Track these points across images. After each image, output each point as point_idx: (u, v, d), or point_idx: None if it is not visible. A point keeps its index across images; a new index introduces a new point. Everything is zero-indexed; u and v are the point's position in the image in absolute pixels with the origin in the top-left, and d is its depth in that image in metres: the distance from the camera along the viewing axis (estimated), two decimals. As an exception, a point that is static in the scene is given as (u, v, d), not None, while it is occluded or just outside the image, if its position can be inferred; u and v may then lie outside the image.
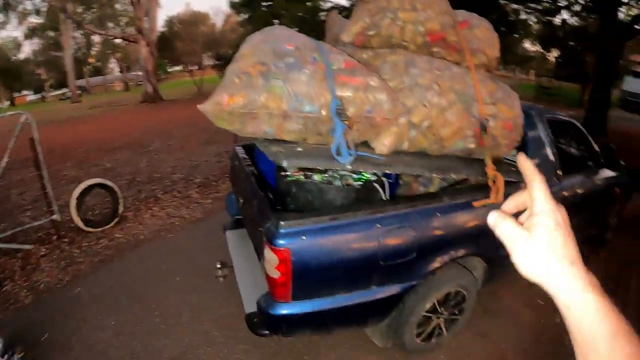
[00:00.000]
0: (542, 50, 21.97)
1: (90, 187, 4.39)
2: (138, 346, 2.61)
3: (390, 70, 2.01)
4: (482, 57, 2.50)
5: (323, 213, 1.76)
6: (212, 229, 4.23)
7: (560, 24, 15.89)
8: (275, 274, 1.70)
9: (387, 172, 1.91)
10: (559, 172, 2.88)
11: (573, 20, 15.61)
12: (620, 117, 16.92)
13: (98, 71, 42.12)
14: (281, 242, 1.66)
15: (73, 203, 4.15)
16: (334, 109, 1.64)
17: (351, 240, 1.80)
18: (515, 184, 2.49)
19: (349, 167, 1.67)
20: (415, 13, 2.18)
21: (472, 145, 2.20)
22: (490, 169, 2.14)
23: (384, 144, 1.86)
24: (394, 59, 2.07)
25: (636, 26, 11.13)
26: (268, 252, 1.69)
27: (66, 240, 4.13)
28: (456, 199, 2.15)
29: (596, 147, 3.64)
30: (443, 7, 2.31)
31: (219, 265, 2.74)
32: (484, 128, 2.13)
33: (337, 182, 1.93)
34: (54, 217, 4.15)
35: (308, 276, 1.76)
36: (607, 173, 3.58)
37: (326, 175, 1.98)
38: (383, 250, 1.86)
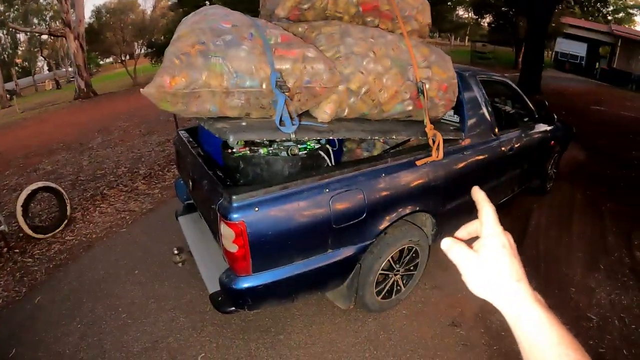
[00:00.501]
0: (475, 17, 22.73)
1: (35, 192, 4.18)
2: (107, 344, 2.57)
3: (326, 41, 2.07)
4: (415, 24, 2.61)
5: (273, 184, 1.80)
6: (164, 218, 4.20)
7: (492, -10, 16.52)
8: (233, 248, 1.74)
9: (331, 138, 1.97)
10: (496, 130, 3.06)
11: (506, -14, 16.20)
12: (554, 76, 17.96)
13: (26, 72, 39.19)
14: (235, 215, 1.70)
15: (19, 210, 3.94)
16: (274, 82, 1.68)
17: (303, 207, 1.86)
18: (453, 141, 2.66)
19: (293, 136, 1.72)
20: (346, -16, 2.24)
21: (410, 108, 2.32)
22: (430, 129, 2.27)
23: (325, 112, 1.93)
24: (329, 29, 2.12)
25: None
26: (224, 228, 1.73)
27: (17, 250, 3.93)
28: (399, 159, 2.26)
29: (530, 104, 3.89)
30: (374, -24, 2.37)
31: (176, 252, 2.73)
32: (420, 90, 2.24)
33: (283, 153, 1.98)
34: (1, 228, 3.94)
35: (265, 246, 1.81)
36: (542, 127, 3.83)
37: (272, 148, 2.03)
38: (334, 214, 1.94)
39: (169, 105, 1.70)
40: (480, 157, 2.88)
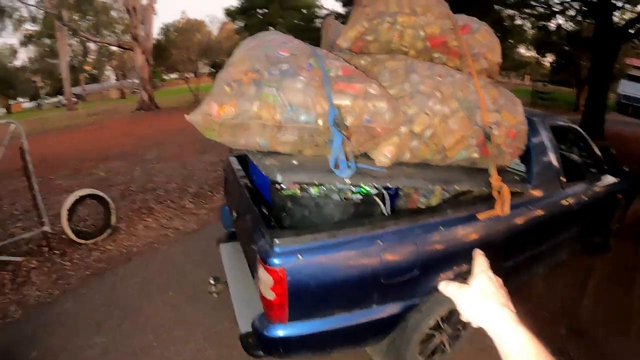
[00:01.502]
0: (536, 55, 22.03)
1: (82, 198, 4.27)
2: (129, 365, 2.50)
3: (390, 77, 1.93)
4: (484, 63, 2.43)
5: (320, 230, 1.64)
6: (206, 241, 4.10)
7: (555, 28, 15.95)
8: (270, 295, 1.58)
9: (389, 185, 1.80)
10: (563, 179, 2.79)
11: (568, 25, 15.63)
12: (616, 120, 16.96)
13: (94, 79, 42.04)
14: (276, 261, 1.55)
15: (64, 214, 4.03)
16: (332, 119, 1.54)
17: (351, 257, 1.69)
18: (517, 193, 2.41)
19: (348, 181, 1.56)
20: (414, 17, 2.10)
21: (476, 155, 2.11)
22: (496, 180, 2.05)
23: (384, 155, 1.76)
24: (394, 64, 1.98)
25: (630, 30, 11.14)
26: (262, 272, 1.58)
27: (57, 252, 4.01)
28: (460, 212, 2.05)
29: (599, 153, 3.57)
30: (443, 11, 2.23)
31: (212, 281, 2.62)
32: (488, 136, 2.04)
33: (335, 196, 1.82)
34: (45, 228, 4.03)
35: (305, 296, 1.65)
36: (610, 179, 3.51)
37: (323, 188, 1.88)
38: (384, 268, 1.75)
39: (216, 134, 1.59)
40: (545, 211, 2.63)
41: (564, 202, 2.80)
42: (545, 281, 3.43)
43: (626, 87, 23.28)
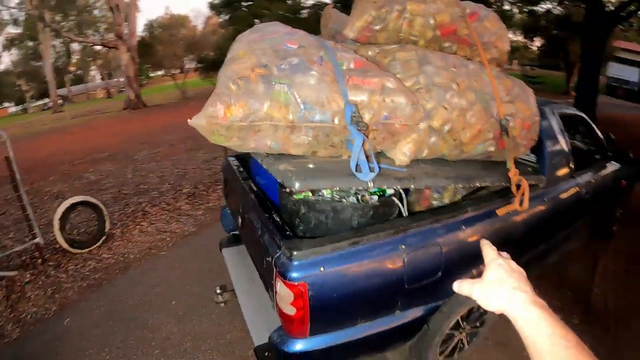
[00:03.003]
0: (524, 40, 22.04)
1: (74, 206, 4.11)
2: (135, 382, 2.38)
3: (402, 69, 1.81)
4: (494, 52, 2.34)
5: (342, 238, 1.53)
6: (206, 244, 3.98)
7: (542, 13, 15.94)
8: (290, 311, 1.47)
9: (412, 187, 1.69)
10: (573, 168, 2.74)
11: (557, 9, 15.63)
12: (607, 103, 17.05)
13: (79, 79, 41.20)
14: (296, 275, 1.43)
15: (56, 224, 3.88)
16: (349, 117, 1.42)
17: (374, 265, 1.58)
18: (534, 186, 2.33)
19: (371, 184, 1.44)
20: (424, 5, 1.99)
21: (492, 149, 2.02)
22: (514, 174, 1.97)
23: (404, 153, 1.65)
24: (405, 55, 1.87)
25: (622, 13, 11.14)
26: (281, 287, 1.46)
27: (52, 264, 3.85)
28: (480, 209, 1.96)
29: (603, 140, 3.53)
30: (452, -2, 2.12)
31: (218, 291, 2.50)
32: (505, 129, 1.95)
33: (352, 199, 1.71)
34: (37, 240, 3.87)
35: (327, 309, 1.53)
36: (614, 166, 3.47)
37: (337, 191, 1.76)
38: (408, 273, 1.65)
39: (222, 139, 1.44)
40: (558, 201, 2.58)
41: (574, 191, 2.74)
42: (554, 270, 3.38)
43: (614, 70, 23.44)
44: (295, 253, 1.44)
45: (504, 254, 0.72)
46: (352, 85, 1.51)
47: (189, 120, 1.37)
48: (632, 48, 22.28)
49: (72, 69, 38.15)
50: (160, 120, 14.02)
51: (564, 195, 2.64)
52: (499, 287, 0.64)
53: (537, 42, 21.41)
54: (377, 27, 1.99)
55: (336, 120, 1.46)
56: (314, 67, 1.49)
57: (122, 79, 24.34)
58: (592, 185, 2.96)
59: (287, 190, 1.76)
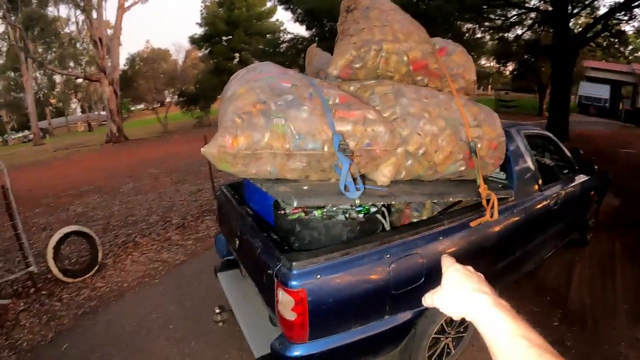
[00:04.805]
0: (497, 65, 23.01)
1: (67, 235, 4.20)
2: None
3: (381, 101, 2.06)
4: (462, 82, 2.60)
5: (335, 249, 1.74)
6: (198, 272, 4.11)
7: (513, 39, 16.77)
8: (291, 316, 1.66)
9: (392, 202, 1.92)
10: (540, 183, 2.99)
11: (526, 34, 16.46)
12: (580, 120, 17.84)
13: (60, 112, 41.00)
14: (295, 282, 1.63)
15: (50, 253, 3.96)
16: (337, 145, 1.66)
17: (364, 272, 1.79)
18: (504, 200, 2.59)
19: (358, 201, 1.67)
20: (398, 44, 2.26)
21: (463, 168, 2.27)
22: (483, 189, 2.21)
23: (384, 175, 1.89)
24: (382, 89, 2.12)
25: (588, 34, 11.84)
26: (282, 295, 1.66)
27: (45, 292, 3.91)
28: (455, 221, 2.20)
29: (569, 155, 3.82)
30: (423, 36, 2.40)
31: (217, 310, 2.64)
32: (473, 150, 2.20)
33: (341, 217, 1.93)
34: (31, 268, 3.93)
35: (324, 314, 1.73)
36: (582, 178, 3.74)
37: (326, 210, 1.98)
38: (394, 279, 1.86)
39: (229, 165, 1.68)
40: (529, 213, 2.82)
41: (543, 204, 2.99)
42: (532, 277, 3.62)
43: (586, 89, 24.57)
44: (294, 263, 1.64)
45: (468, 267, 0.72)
46: (338, 117, 1.76)
47: (202, 149, 1.60)
48: (601, 67, 23.41)
49: (53, 101, 37.97)
50: (143, 154, 14.11)
51: (533, 207, 2.87)
52: (457, 291, 0.65)
53: (510, 67, 22.40)
54: (357, 65, 2.25)
55: (326, 148, 1.70)
56: (305, 102, 1.74)
57: (103, 112, 24.43)
58: (561, 197, 3.21)
59: (282, 211, 1.97)
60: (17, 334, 3.25)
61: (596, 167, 4.01)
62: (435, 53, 2.44)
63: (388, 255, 1.84)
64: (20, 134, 36.49)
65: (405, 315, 2.01)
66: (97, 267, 4.31)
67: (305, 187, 1.74)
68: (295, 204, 1.59)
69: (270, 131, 1.62)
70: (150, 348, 2.94)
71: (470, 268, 0.71)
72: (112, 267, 4.45)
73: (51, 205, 7.52)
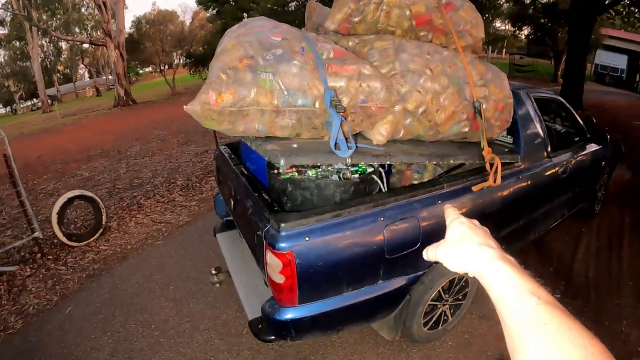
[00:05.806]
0: (512, 28, 22.22)
1: (71, 200, 4.21)
2: (138, 364, 2.51)
3: (380, 57, 1.94)
4: (469, 39, 2.46)
5: (325, 211, 1.67)
6: (200, 233, 4.14)
7: (529, 1, 16.09)
8: (280, 279, 1.61)
9: (388, 162, 1.84)
10: (549, 149, 2.87)
11: (543, -2, 15.80)
12: (595, 90, 17.28)
13: (68, 78, 40.90)
14: (283, 245, 1.58)
15: (54, 218, 3.98)
16: (329, 101, 1.56)
17: (355, 235, 1.73)
18: (508, 164, 2.49)
19: (349, 160, 1.59)
20: (400, -4, 2.11)
21: (466, 129, 2.16)
22: (487, 152, 2.11)
23: (381, 134, 1.80)
24: (382, 44, 2.00)
25: (608, 1, 11.28)
26: (270, 257, 1.61)
27: (50, 257, 3.96)
28: (456, 185, 2.11)
29: (582, 123, 3.66)
30: (427, -11, 2.24)
31: (214, 271, 2.64)
32: (478, 111, 2.08)
33: (334, 177, 1.85)
34: (36, 234, 3.97)
35: (314, 277, 1.68)
36: (594, 148, 3.60)
37: (320, 170, 1.90)
38: (388, 243, 1.80)
39: (215, 123, 1.59)
40: (535, 180, 2.70)
41: (551, 171, 2.87)
42: (537, 247, 3.55)
43: (602, 57, 23.72)
44: (282, 225, 1.58)
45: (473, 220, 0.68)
46: (331, 72, 1.65)
47: (185, 106, 1.51)
48: (619, 35, 22.53)
49: (60, 68, 37.83)
50: (151, 116, 14.06)
51: (540, 174, 2.76)
52: (462, 243, 0.61)
53: (525, 31, 21.62)
54: (356, 19, 2.11)
55: (317, 104, 1.60)
56: (296, 57, 1.63)
57: (110, 77, 24.22)
58: (570, 165, 3.09)
59: (275, 171, 1.90)
60: (24, 299, 3.30)
61: (609, 137, 3.85)
62: (441, 8, 2.28)
63: (382, 218, 1.77)
64: (28, 103, 36.65)
65: (399, 281, 1.96)
66: (101, 230, 4.34)
67: (295, 145, 1.66)
68: (281, 162, 1.51)
69: (257, 86, 1.52)
70: (150, 309, 2.98)
71: (475, 221, 0.66)
72: (117, 230, 4.48)
73: (59, 170, 7.56)
